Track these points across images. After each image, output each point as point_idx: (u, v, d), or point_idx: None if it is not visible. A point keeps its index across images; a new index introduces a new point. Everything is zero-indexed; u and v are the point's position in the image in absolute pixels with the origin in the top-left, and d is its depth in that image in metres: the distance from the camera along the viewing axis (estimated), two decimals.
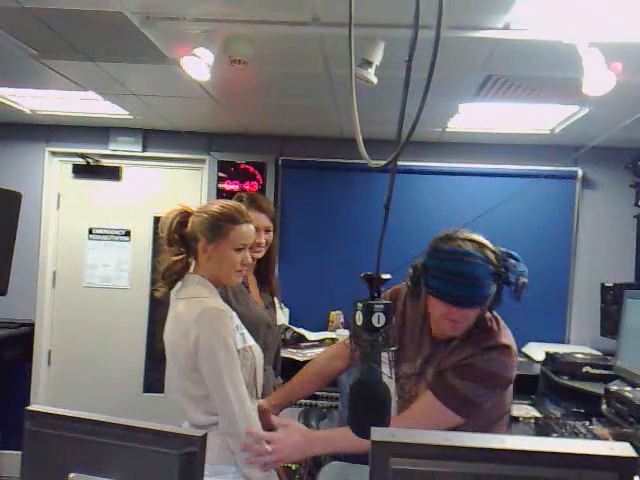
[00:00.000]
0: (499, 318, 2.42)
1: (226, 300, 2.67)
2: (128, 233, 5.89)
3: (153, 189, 5.90)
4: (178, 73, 3.52)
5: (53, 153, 5.86)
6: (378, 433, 1.14)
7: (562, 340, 5.40)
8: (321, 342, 5.10)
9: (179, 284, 2.57)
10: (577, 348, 4.87)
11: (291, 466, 3.50)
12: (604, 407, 3.59)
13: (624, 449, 1.09)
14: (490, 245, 2.23)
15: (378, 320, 1.71)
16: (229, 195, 5.31)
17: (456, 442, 1.12)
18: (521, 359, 4.87)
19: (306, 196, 5.69)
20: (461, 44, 3.05)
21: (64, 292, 5.89)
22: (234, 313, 2.56)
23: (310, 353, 4.77)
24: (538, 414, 4.19)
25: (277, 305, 3.55)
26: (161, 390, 5.79)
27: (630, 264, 5.33)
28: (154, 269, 5.60)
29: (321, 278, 5.54)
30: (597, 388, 3.85)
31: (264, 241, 3.29)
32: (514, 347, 2.33)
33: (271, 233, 3.38)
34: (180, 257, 2.54)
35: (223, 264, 2.51)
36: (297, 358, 4.64)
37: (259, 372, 2.61)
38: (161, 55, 3.46)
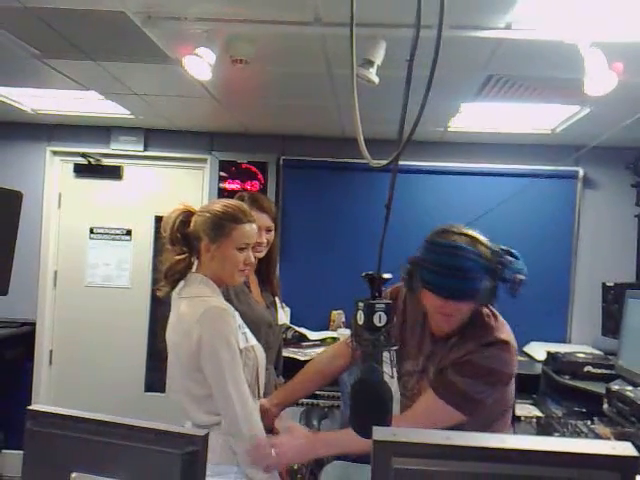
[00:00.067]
0: (498, 314, 2.42)
1: (227, 299, 2.67)
2: (129, 232, 5.90)
3: (154, 189, 5.90)
4: (180, 73, 3.52)
5: (54, 152, 5.86)
6: (379, 432, 1.14)
7: (563, 340, 5.39)
8: (322, 341, 5.10)
9: (181, 283, 2.57)
10: (578, 348, 4.87)
11: (293, 466, 3.50)
12: (605, 406, 3.59)
13: (626, 448, 1.09)
14: (484, 240, 2.24)
15: (379, 319, 1.72)
16: (230, 195, 5.30)
17: (458, 441, 1.12)
18: (522, 359, 4.87)
19: (307, 196, 5.69)
20: (462, 44, 3.05)
21: (65, 291, 5.89)
22: (237, 313, 2.56)
23: (311, 352, 4.77)
24: (540, 413, 4.19)
25: (278, 304, 3.55)
26: (162, 389, 5.79)
27: (631, 264, 5.33)
28: (155, 268, 5.63)
29: (322, 277, 5.55)
30: (598, 387, 3.86)
31: (265, 241, 3.29)
32: (513, 342, 2.33)
33: (272, 233, 3.38)
34: (183, 256, 2.54)
35: (226, 263, 2.51)
36: (298, 357, 4.64)
37: (261, 372, 2.61)
38: (163, 55, 3.47)
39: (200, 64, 3.16)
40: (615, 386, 3.61)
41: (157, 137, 5.78)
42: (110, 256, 5.90)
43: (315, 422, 3.54)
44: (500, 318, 2.41)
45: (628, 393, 3.43)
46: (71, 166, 5.87)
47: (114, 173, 5.87)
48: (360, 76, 2.95)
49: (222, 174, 5.67)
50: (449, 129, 5.05)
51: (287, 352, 4.42)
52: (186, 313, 2.45)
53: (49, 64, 3.82)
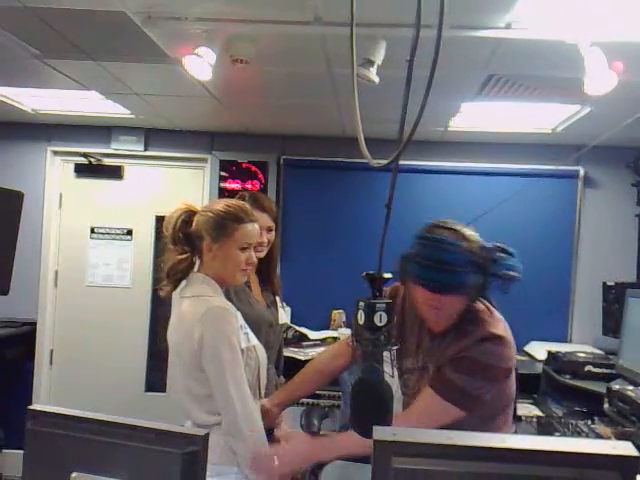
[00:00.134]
0: (493, 310, 2.42)
1: (228, 299, 2.67)
2: (130, 232, 5.90)
3: (155, 188, 5.90)
4: (180, 72, 3.52)
5: (55, 152, 5.86)
6: (380, 432, 1.14)
7: (564, 339, 5.39)
8: (323, 341, 5.10)
9: (183, 283, 2.57)
10: (579, 347, 4.87)
11: None
12: (606, 406, 3.59)
13: (626, 448, 1.09)
14: (473, 236, 2.25)
15: (380, 319, 1.72)
16: (231, 194, 5.31)
17: (458, 441, 1.12)
18: (523, 358, 4.88)
19: (308, 195, 5.70)
20: (463, 43, 3.05)
21: (66, 291, 5.90)
22: (238, 312, 2.56)
23: (312, 352, 4.77)
24: (540, 413, 4.20)
25: (279, 304, 3.55)
26: (163, 389, 5.80)
27: (632, 263, 5.33)
28: (156, 268, 5.63)
29: (323, 277, 5.55)
30: (599, 387, 3.86)
31: (266, 240, 3.29)
32: (509, 337, 2.34)
33: (273, 232, 3.39)
34: (185, 256, 2.53)
35: (228, 263, 2.51)
36: (299, 357, 4.64)
37: (262, 372, 2.60)
38: (163, 54, 3.47)
39: (200, 64, 3.16)
40: (616, 386, 3.61)
41: (158, 137, 5.78)
42: (111, 256, 5.90)
43: (316, 422, 3.54)
44: (496, 314, 2.41)
45: (629, 393, 3.43)
46: (72, 166, 5.87)
47: (115, 173, 5.88)
48: (360, 76, 2.95)
49: (222, 174, 5.67)
50: (449, 129, 5.05)
51: (288, 352, 4.42)
52: (188, 312, 2.45)
53: (49, 64, 3.82)
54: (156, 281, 5.31)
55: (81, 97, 4.70)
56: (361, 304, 1.74)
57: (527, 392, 4.43)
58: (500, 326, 2.35)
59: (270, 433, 2.59)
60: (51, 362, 5.89)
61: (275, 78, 4.00)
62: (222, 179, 5.67)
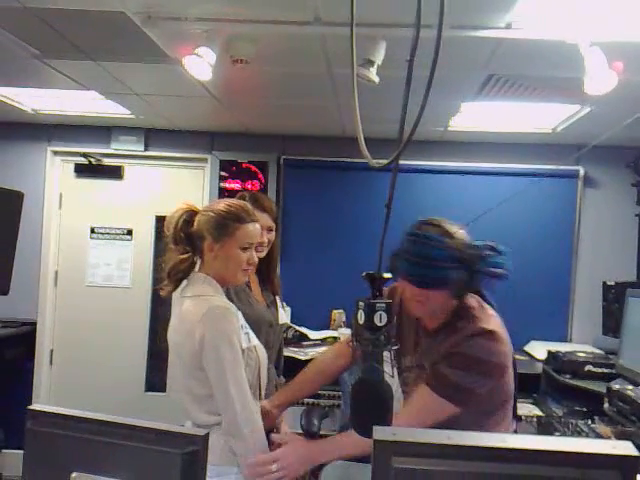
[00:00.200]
0: (486, 306, 2.45)
1: (228, 298, 2.67)
2: (130, 232, 5.90)
3: (155, 188, 5.90)
4: (180, 72, 3.52)
5: (55, 152, 5.86)
6: (380, 432, 1.14)
7: (564, 339, 5.39)
8: (323, 341, 5.10)
9: (184, 283, 2.57)
10: (579, 347, 4.87)
11: None
12: (606, 406, 3.59)
13: (626, 448, 1.09)
14: (458, 233, 2.28)
15: (380, 319, 1.72)
16: (231, 194, 5.31)
17: (458, 441, 1.12)
18: (523, 358, 4.88)
19: (308, 195, 5.70)
20: (463, 43, 3.05)
21: (66, 291, 5.90)
22: (239, 312, 2.56)
23: (312, 352, 4.77)
24: (540, 413, 4.20)
25: (279, 304, 3.55)
26: (163, 389, 5.80)
27: (632, 263, 5.33)
28: (156, 268, 5.64)
29: (323, 277, 5.55)
30: (599, 387, 3.86)
31: (266, 240, 3.30)
32: (501, 333, 2.34)
33: (273, 232, 3.39)
34: (186, 256, 2.53)
35: (229, 263, 2.51)
36: (299, 357, 4.64)
37: (263, 372, 2.60)
38: (163, 55, 3.47)
39: (200, 64, 3.16)
40: (616, 385, 3.61)
41: (157, 137, 5.78)
42: (111, 256, 5.90)
43: (316, 421, 3.53)
44: (489, 310, 2.43)
45: (629, 392, 3.43)
46: (72, 166, 5.87)
47: (115, 173, 5.88)
48: (360, 76, 2.96)
49: (222, 174, 5.67)
50: (449, 128, 5.05)
51: (288, 351, 4.42)
52: (189, 312, 2.45)
53: (49, 64, 3.82)
54: (156, 281, 5.31)
55: (81, 97, 4.70)
56: (361, 304, 1.74)
57: (527, 392, 4.44)
58: (492, 322, 2.37)
59: (270, 434, 2.59)
60: (51, 362, 5.89)
61: (275, 78, 4.00)
62: (222, 179, 5.67)
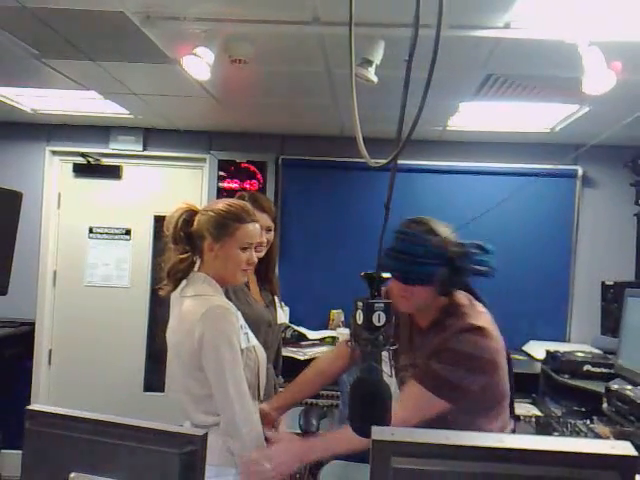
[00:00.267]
0: (476, 303, 2.48)
1: (227, 298, 2.67)
2: (128, 232, 5.90)
3: (153, 188, 5.90)
4: (178, 72, 3.52)
5: (54, 152, 5.86)
6: (379, 432, 1.14)
7: (563, 339, 5.39)
8: (321, 341, 5.10)
9: (183, 283, 2.57)
10: (578, 347, 4.87)
11: None
12: (605, 406, 3.59)
13: (625, 448, 1.09)
14: (443, 231, 2.35)
15: (378, 319, 1.72)
16: (229, 194, 5.32)
17: (457, 441, 1.12)
18: (522, 357, 4.88)
19: (306, 195, 5.69)
20: (461, 43, 3.05)
21: (64, 291, 5.89)
22: (239, 312, 2.56)
23: (310, 352, 4.77)
24: (539, 413, 4.20)
25: (277, 304, 3.55)
26: (161, 389, 5.80)
27: (630, 262, 5.33)
28: (154, 268, 5.63)
29: (321, 277, 5.55)
30: (598, 387, 3.86)
31: (265, 240, 3.30)
32: (490, 329, 2.36)
33: (272, 232, 3.40)
34: (185, 255, 2.53)
35: (229, 263, 2.51)
36: (297, 357, 4.64)
37: (262, 372, 2.60)
38: (162, 54, 3.46)
39: (199, 64, 3.16)
40: (614, 385, 3.61)
41: (156, 137, 5.78)
42: (109, 256, 5.90)
43: (314, 421, 3.54)
44: (478, 307, 2.47)
45: (627, 392, 3.43)
46: (70, 166, 5.87)
47: (113, 173, 5.87)
48: (359, 75, 2.96)
49: (221, 173, 5.67)
50: (448, 128, 5.06)
51: (286, 351, 4.42)
52: (188, 312, 2.45)
53: (48, 64, 3.81)
54: (155, 281, 5.31)
55: (80, 97, 4.70)
56: (359, 304, 1.74)
57: (526, 392, 4.43)
58: (481, 318, 2.40)
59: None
60: (50, 362, 5.88)
61: (273, 78, 3.99)
62: (220, 179, 5.67)
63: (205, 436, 1.29)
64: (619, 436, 3.25)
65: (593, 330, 5.12)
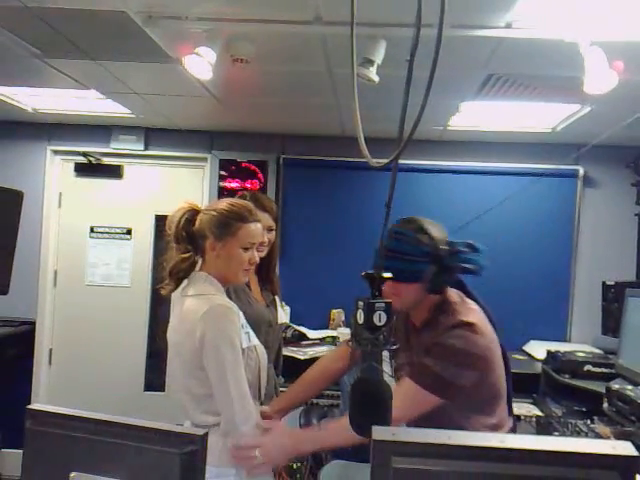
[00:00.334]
0: (467, 300, 2.51)
1: (228, 297, 2.67)
2: (129, 231, 5.90)
3: (154, 187, 5.90)
4: (180, 72, 3.52)
5: (55, 152, 5.86)
6: (379, 432, 1.14)
7: (563, 338, 5.39)
8: (322, 340, 5.10)
9: (184, 282, 2.57)
10: (578, 346, 4.87)
11: (292, 465, 3.51)
12: (605, 406, 3.59)
13: (626, 448, 1.09)
14: (435, 230, 2.41)
15: (379, 319, 1.72)
16: (230, 193, 5.32)
17: (458, 441, 1.12)
18: (522, 357, 4.88)
19: (307, 194, 5.69)
20: (463, 43, 3.05)
21: (65, 291, 5.90)
22: (240, 312, 2.56)
23: (311, 351, 4.77)
24: (539, 413, 4.19)
25: (278, 303, 3.55)
26: (162, 389, 5.80)
27: (631, 262, 5.33)
28: (155, 267, 5.64)
29: (322, 276, 5.54)
30: (598, 387, 3.85)
31: (267, 240, 3.30)
32: (481, 325, 2.38)
33: (274, 232, 3.40)
34: (187, 255, 2.53)
35: (231, 262, 2.51)
36: (298, 356, 4.64)
37: (263, 372, 2.60)
38: (163, 54, 3.46)
39: (200, 63, 3.16)
40: (615, 385, 3.61)
41: (157, 136, 5.78)
42: (110, 255, 5.90)
43: (315, 421, 3.54)
44: (470, 304, 2.50)
45: (628, 392, 3.43)
46: (71, 165, 5.87)
47: (114, 172, 5.87)
48: (360, 75, 2.96)
49: (222, 173, 5.67)
50: (449, 128, 5.05)
51: (287, 351, 4.42)
52: (190, 311, 2.45)
53: (50, 63, 3.81)
54: (156, 280, 5.31)
55: (81, 96, 4.70)
56: (360, 304, 1.74)
57: (526, 392, 4.43)
58: (472, 315, 2.42)
59: None
60: (50, 361, 5.89)
61: (275, 77, 3.99)
62: (222, 178, 5.67)
63: (205, 436, 1.29)
64: (620, 436, 3.25)
65: (594, 330, 5.12)
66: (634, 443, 1.10)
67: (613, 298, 4.77)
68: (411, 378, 2.36)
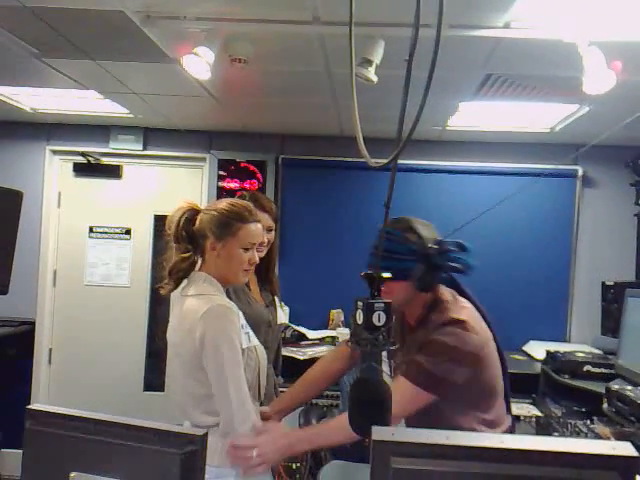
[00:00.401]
0: (459, 298, 2.54)
1: (227, 298, 2.67)
2: (128, 231, 5.90)
3: (153, 187, 5.90)
4: (179, 72, 3.52)
5: (54, 152, 5.86)
6: (378, 432, 1.14)
7: (563, 339, 5.39)
8: (321, 340, 5.10)
9: (184, 282, 2.57)
10: (578, 347, 4.87)
11: (292, 465, 3.50)
12: (605, 406, 3.59)
13: (625, 448, 1.09)
14: (425, 230, 2.45)
15: (379, 319, 1.72)
16: (229, 193, 5.33)
17: (457, 441, 1.12)
18: (522, 358, 4.88)
19: (306, 194, 5.69)
20: (461, 43, 3.05)
21: (65, 290, 5.89)
22: (240, 312, 2.56)
23: (310, 351, 4.77)
24: (539, 413, 4.19)
25: (277, 304, 3.55)
26: (161, 388, 5.80)
27: (631, 263, 5.33)
28: (154, 267, 5.63)
29: (321, 276, 5.54)
30: (598, 387, 3.85)
31: (266, 240, 3.30)
32: (472, 322, 2.40)
33: (273, 232, 3.39)
34: (187, 255, 2.53)
35: (231, 262, 2.51)
36: (297, 357, 4.64)
37: (262, 373, 2.59)
38: (162, 54, 3.46)
39: (199, 63, 3.16)
40: (615, 385, 3.61)
41: (156, 136, 5.78)
42: (109, 255, 5.90)
43: (314, 421, 3.54)
44: (462, 302, 2.52)
45: (628, 393, 3.43)
46: (70, 165, 5.87)
47: (113, 172, 5.87)
48: (359, 75, 2.96)
49: (221, 173, 5.67)
50: (448, 128, 5.05)
51: (286, 351, 4.42)
52: (190, 310, 2.44)
53: (48, 63, 3.81)
54: (155, 280, 5.31)
55: (80, 96, 4.70)
56: (359, 304, 1.74)
57: (526, 392, 4.43)
58: (463, 312, 2.44)
59: None
60: (50, 361, 5.89)
61: (274, 77, 3.99)
62: (220, 178, 5.66)
63: (205, 436, 1.29)
64: (619, 436, 3.25)
65: (593, 330, 5.13)
66: (634, 443, 1.10)
67: (612, 298, 4.77)
68: (404, 376, 2.37)
